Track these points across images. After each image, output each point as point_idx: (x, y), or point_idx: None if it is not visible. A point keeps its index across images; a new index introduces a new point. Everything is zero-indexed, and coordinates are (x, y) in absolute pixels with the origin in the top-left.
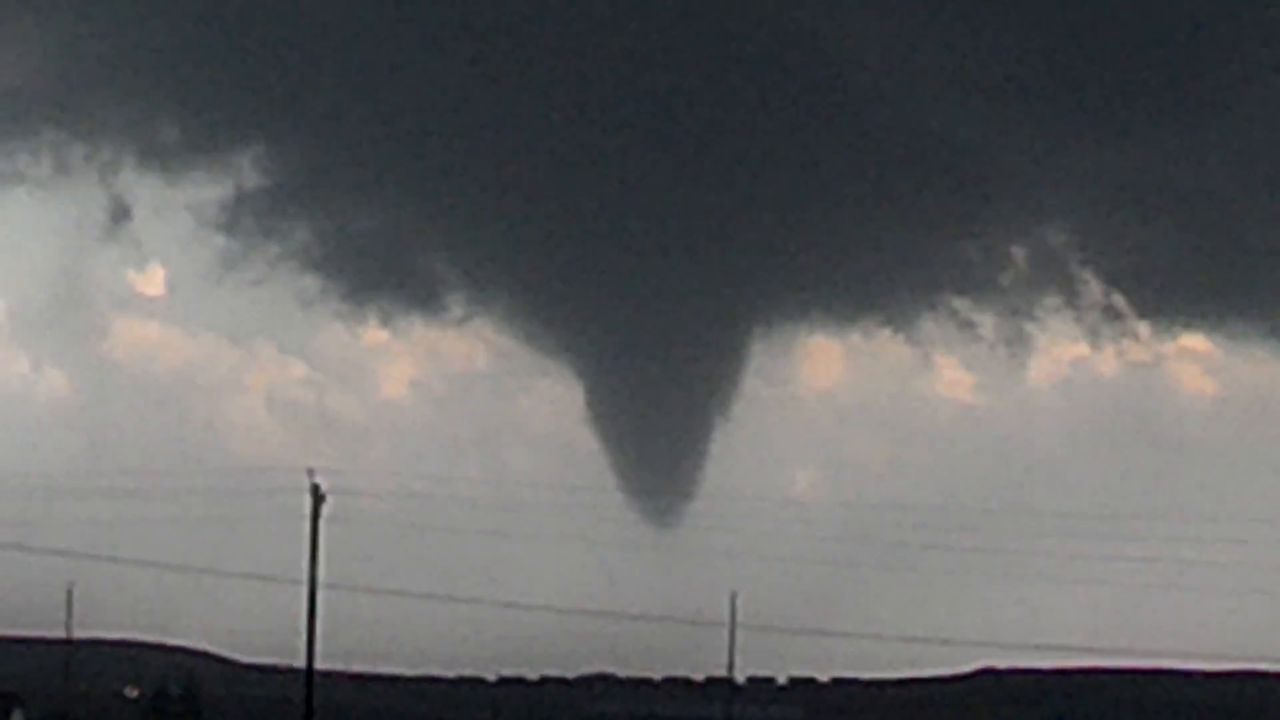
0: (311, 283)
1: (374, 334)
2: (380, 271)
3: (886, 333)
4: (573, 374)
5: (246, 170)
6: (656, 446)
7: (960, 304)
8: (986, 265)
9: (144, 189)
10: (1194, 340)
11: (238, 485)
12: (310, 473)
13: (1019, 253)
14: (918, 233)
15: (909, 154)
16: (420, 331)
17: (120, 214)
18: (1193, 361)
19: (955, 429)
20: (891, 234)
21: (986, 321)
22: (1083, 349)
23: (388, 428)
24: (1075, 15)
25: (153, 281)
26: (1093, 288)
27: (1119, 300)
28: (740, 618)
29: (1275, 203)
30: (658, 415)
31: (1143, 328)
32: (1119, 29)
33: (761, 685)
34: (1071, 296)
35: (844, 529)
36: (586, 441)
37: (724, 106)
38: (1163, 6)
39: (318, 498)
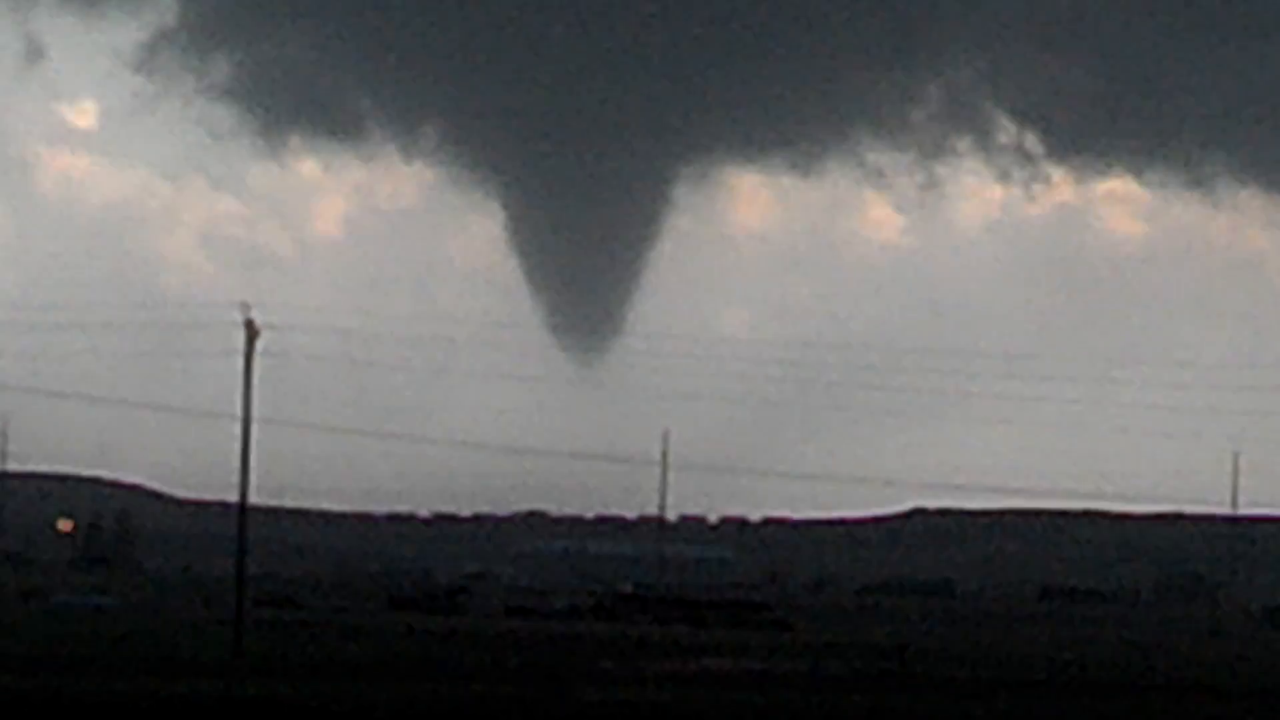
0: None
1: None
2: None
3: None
4: (499, 210)
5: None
6: (581, 283)
7: (874, 146)
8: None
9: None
10: (1116, 184)
11: (172, 316)
12: (244, 307)
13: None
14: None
15: None
16: (352, 169)
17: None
18: (1116, 204)
19: (882, 270)
20: (809, 70)
21: (900, 164)
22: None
23: (320, 265)
24: None
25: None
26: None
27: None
28: (672, 457)
29: (1195, 42)
30: (583, 252)
31: (1060, 171)
32: None
33: (693, 524)
34: (982, 138)
35: (775, 369)
36: (521, 279)
37: None
38: None
39: (251, 333)
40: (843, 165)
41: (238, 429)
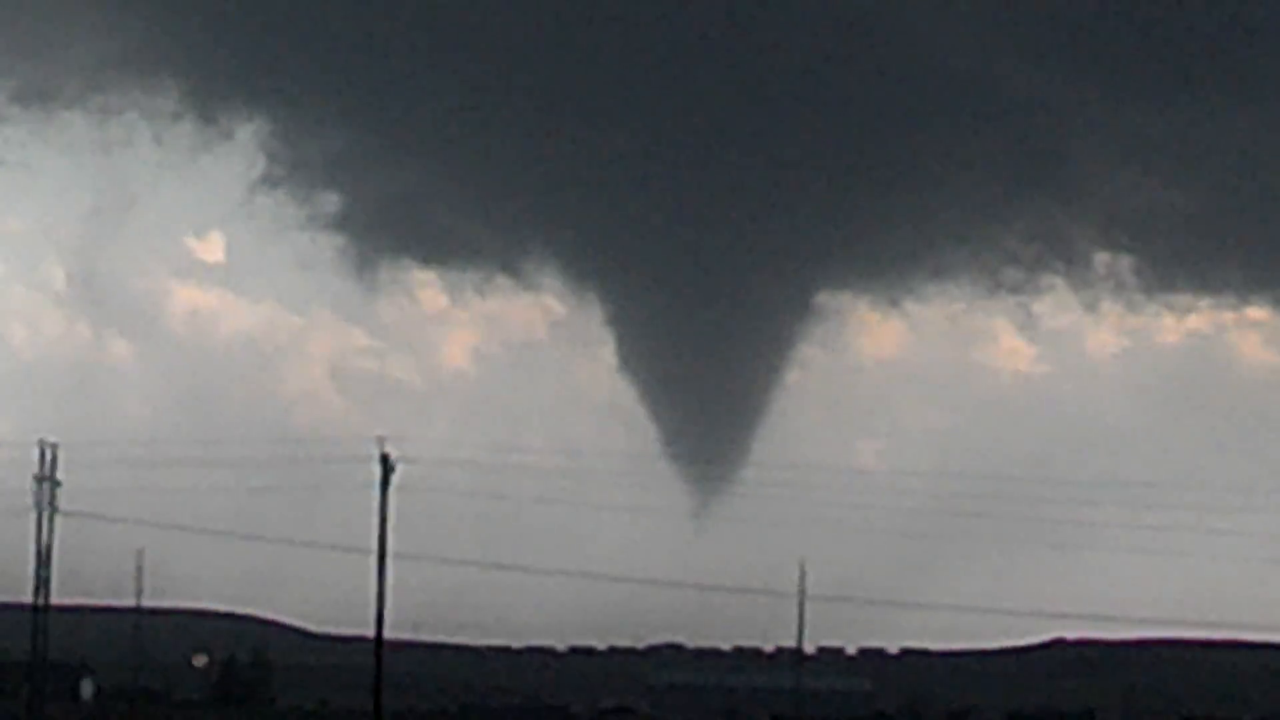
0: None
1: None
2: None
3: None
4: (615, 340)
5: None
6: (704, 415)
7: (1018, 275)
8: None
9: None
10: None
11: (306, 453)
12: (380, 441)
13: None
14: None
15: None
16: (479, 301)
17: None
18: (1250, 330)
19: (1016, 398)
20: (942, 198)
21: (1046, 294)
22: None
23: (450, 397)
24: None
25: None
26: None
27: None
28: (809, 588)
29: None
30: (707, 383)
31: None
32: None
33: (830, 655)
34: (1139, 261)
35: (911, 499)
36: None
37: (789, 86)
38: None
39: (387, 467)
40: (975, 294)
41: (373, 562)
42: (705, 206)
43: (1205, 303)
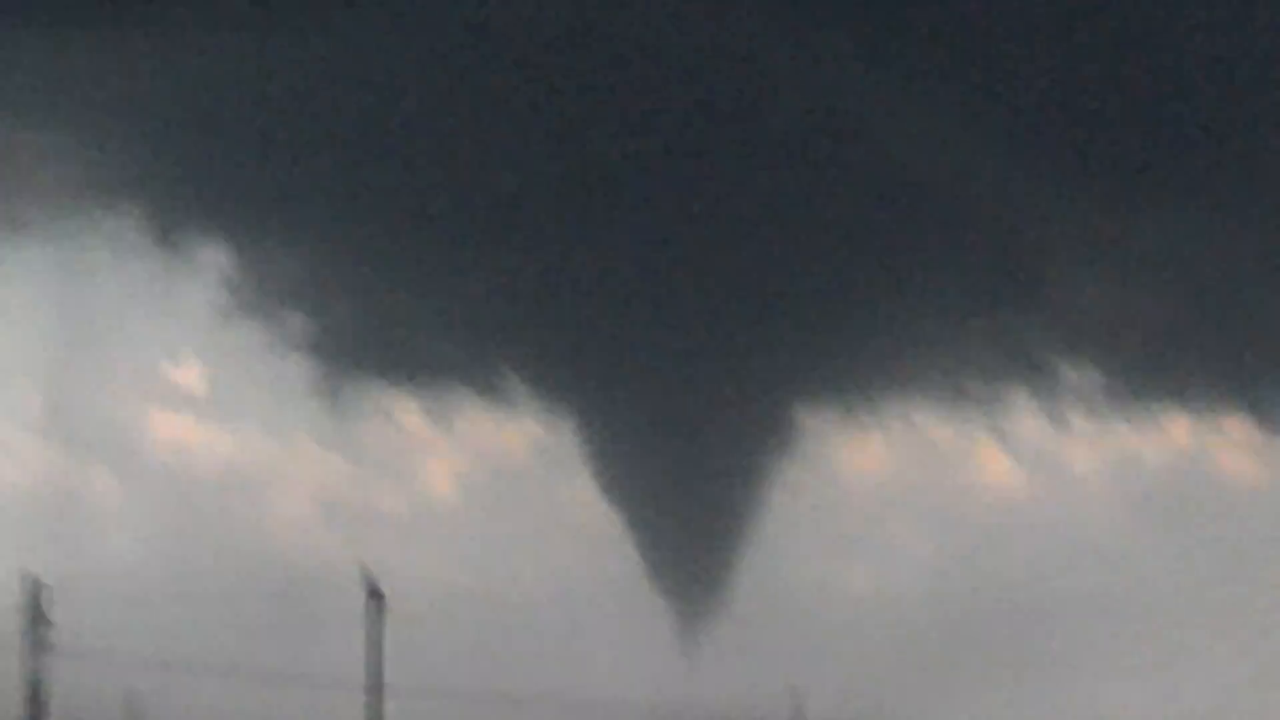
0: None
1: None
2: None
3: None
4: (592, 462)
5: None
6: (685, 540)
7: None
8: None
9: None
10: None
11: (290, 585)
12: (365, 570)
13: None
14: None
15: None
16: (458, 425)
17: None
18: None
19: (1003, 518)
20: (931, 314)
21: (1021, 404)
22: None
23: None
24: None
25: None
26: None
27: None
28: (803, 717)
29: None
30: (690, 506)
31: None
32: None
33: None
34: (1108, 378)
35: (901, 623)
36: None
37: (775, 181)
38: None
39: (377, 598)
40: (958, 413)
41: (363, 697)
42: (676, 323)
43: (1180, 417)
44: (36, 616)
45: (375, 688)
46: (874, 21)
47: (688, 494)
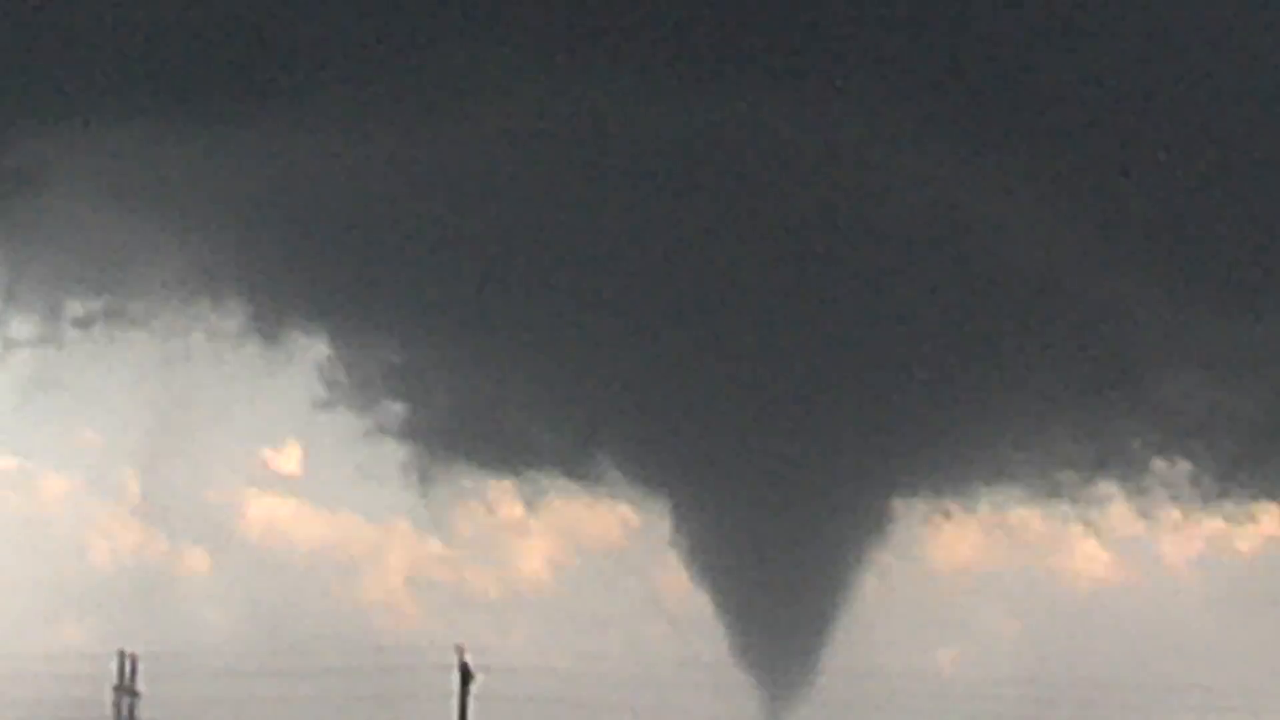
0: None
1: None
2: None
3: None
4: (684, 544)
5: None
6: (775, 623)
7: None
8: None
9: None
10: None
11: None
12: (459, 650)
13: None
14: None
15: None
16: (554, 508)
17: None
18: None
19: (1091, 606)
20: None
21: (1117, 494)
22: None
23: (527, 606)
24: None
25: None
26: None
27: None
28: None
29: None
30: (776, 589)
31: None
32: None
33: None
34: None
35: (988, 707)
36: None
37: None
38: None
39: (466, 676)
40: (1042, 498)
41: None
42: (772, 411)
43: (1270, 507)
44: (126, 689)
45: None
46: (980, 118)
47: (779, 578)
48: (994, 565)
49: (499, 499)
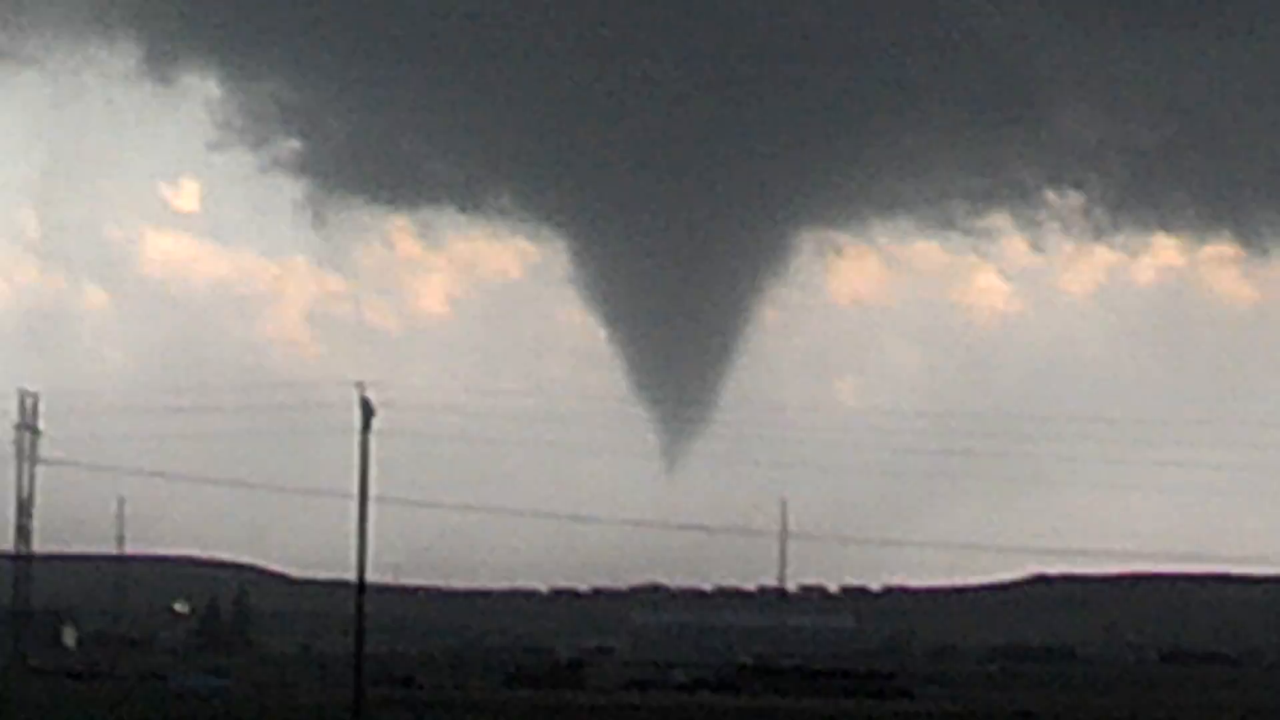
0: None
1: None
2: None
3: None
4: (581, 280)
5: None
6: (675, 357)
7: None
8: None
9: None
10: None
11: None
12: (360, 386)
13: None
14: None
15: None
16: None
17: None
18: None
19: (993, 337)
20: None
21: (1009, 225)
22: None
23: (427, 341)
24: None
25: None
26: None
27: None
28: (790, 528)
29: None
30: (678, 323)
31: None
32: None
33: (812, 594)
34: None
35: (892, 437)
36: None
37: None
38: None
39: (368, 411)
40: (934, 229)
41: (354, 507)
42: (673, 143)
43: (1166, 239)
44: (26, 427)
45: (364, 498)
46: None
47: (678, 312)
48: (893, 298)
49: (397, 235)
